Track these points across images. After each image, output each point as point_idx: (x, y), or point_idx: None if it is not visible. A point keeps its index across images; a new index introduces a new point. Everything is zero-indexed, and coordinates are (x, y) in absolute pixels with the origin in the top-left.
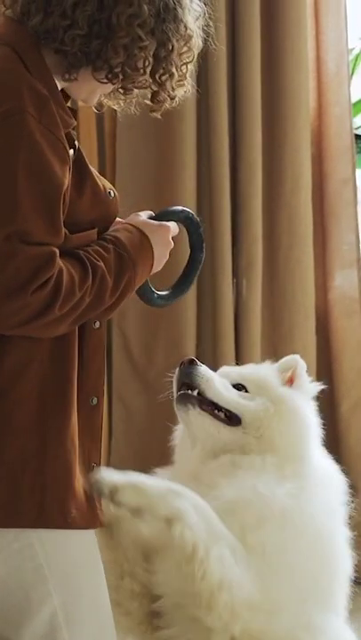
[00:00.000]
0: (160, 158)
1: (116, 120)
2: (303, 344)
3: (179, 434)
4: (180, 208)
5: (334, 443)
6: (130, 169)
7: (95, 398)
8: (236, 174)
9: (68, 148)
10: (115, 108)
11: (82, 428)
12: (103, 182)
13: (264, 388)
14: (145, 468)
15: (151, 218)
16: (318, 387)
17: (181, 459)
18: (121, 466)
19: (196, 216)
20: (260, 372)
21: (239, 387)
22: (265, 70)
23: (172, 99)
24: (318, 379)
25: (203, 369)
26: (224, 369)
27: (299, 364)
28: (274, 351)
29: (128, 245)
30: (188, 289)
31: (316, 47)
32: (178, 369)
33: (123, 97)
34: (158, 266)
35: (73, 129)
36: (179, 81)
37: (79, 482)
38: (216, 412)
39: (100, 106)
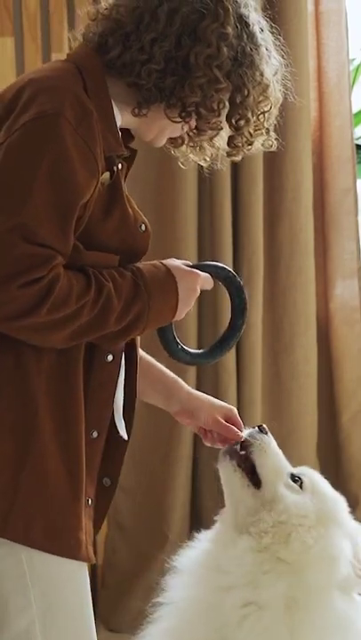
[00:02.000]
0: (160, 170)
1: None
2: (304, 353)
3: None
4: (220, 265)
5: (335, 452)
6: (130, 181)
7: (95, 432)
8: (237, 184)
9: (100, 163)
10: (201, 163)
11: None
12: (136, 214)
13: (323, 503)
14: (146, 477)
15: (188, 266)
16: None
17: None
18: (122, 475)
19: (237, 277)
20: (341, 505)
21: (296, 478)
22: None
23: (250, 144)
24: (319, 388)
25: (267, 437)
26: (305, 468)
27: None
28: (275, 360)
29: (148, 278)
30: (222, 354)
31: (317, 57)
32: (249, 430)
33: (197, 139)
34: (183, 309)
35: (127, 162)
36: (256, 129)
37: (75, 512)
38: (250, 475)
39: (186, 161)
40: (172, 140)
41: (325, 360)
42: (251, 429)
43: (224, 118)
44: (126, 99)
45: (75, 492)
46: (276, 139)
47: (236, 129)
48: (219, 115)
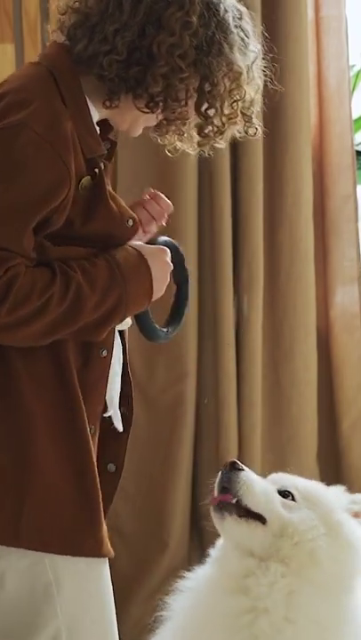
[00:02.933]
0: (161, 175)
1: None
2: (304, 360)
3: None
4: (164, 238)
5: (335, 459)
6: (131, 188)
7: (93, 427)
8: (237, 191)
9: (72, 169)
10: (189, 151)
11: None
12: (122, 210)
13: (318, 506)
14: (146, 483)
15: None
16: None
17: (222, 567)
18: (122, 481)
19: (180, 247)
20: (321, 489)
21: (286, 493)
22: (265, 86)
23: (222, 133)
24: (319, 395)
25: (244, 474)
26: (277, 475)
27: None
28: (275, 367)
29: (122, 263)
30: (182, 323)
31: (317, 63)
32: (220, 473)
33: (171, 128)
34: (159, 289)
35: (106, 158)
36: (230, 118)
37: (90, 510)
38: (251, 519)
39: (174, 150)
40: (156, 129)
41: (325, 367)
42: (225, 470)
43: (192, 107)
44: (98, 92)
45: (86, 491)
46: (260, 126)
47: (205, 118)
48: (185, 104)
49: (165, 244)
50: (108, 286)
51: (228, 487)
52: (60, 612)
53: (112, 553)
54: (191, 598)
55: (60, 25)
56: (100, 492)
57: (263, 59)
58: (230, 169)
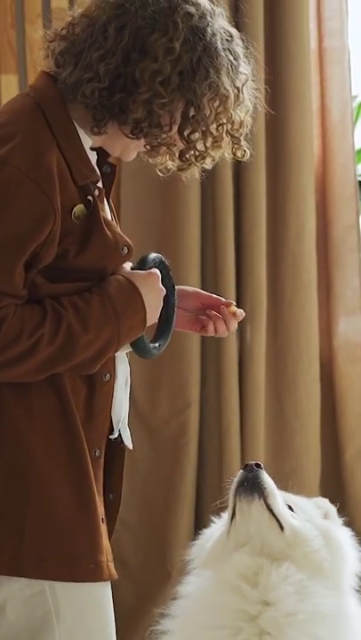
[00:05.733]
0: (164, 205)
1: (120, 167)
2: (307, 390)
3: (213, 534)
4: (153, 254)
5: (338, 490)
6: (134, 216)
7: (98, 450)
8: (240, 220)
9: (54, 202)
10: (181, 173)
11: None
12: (118, 237)
13: (310, 516)
14: (148, 513)
15: (132, 268)
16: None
17: (229, 566)
18: (125, 511)
19: (165, 259)
20: (302, 500)
21: (288, 507)
22: (269, 117)
23: (203, 158)
24: (322, 425)
25: (267, 476)
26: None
27: (330, 506)
28: (278, 397)
29: (115, 297)
30: (171, 334)
31: (320, 95)
32: (242, 470)
33: (154, 154)
34: (153, 316)
35: (108, 181)
36: (214, 141)
37: (90, 535)
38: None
39: (166, 170)
40: (146, 152)
41: (328, 397)
42: (251, 468)
43: (175, 133)
44: (87, 119)
45: (86, 516)
46: (249, 148)
47: (188, 142)
48: (170, 129)
49: (154, 260)
50: (101, 324)
51: (253, 484)
52: (59, 639)
53: (115, 576)
54: (195, 600)
55: (48, 52)
56: (99, 516)
57: (255, 80)
58: (233, 198)
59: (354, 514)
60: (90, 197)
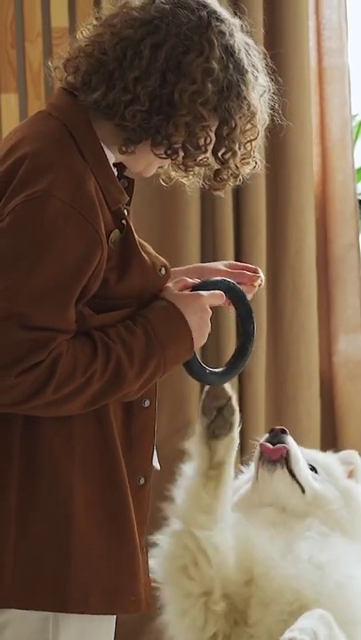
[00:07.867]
0: (164, 220)
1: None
2: (307, 408)
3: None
4: (220, 278)
5: None
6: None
7: (142, 478)
8: (240, 238)
9: (102, 231)
10: (184, 181)
11: None
12: (154, 259)
13: (333, 476)
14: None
15: (193, 289)
16: None
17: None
18: None
19: (238, 285)
20: (328, 459)
21: (311, 467)
22: (269, 135)
23: (236, 177)
24: (322, 443)
25: (292, 440)
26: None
27: (358, 460)
28: (278, 415)
29: (159, 327)
30: (244, 364)
31: (320, 113)
32: (268, 434)
33: (188, 174)
34: (200, 337)
35: (127, 204)
36: (243, 159)
37: (132, 569)
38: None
39: (168, 179)
40: (179, 172)
41: (328, 415)
42: (276, 432)
43: (210, 153)
44: (114, 138)
45: (127, 551)
46: (261, 160)
47: (222, 162)
48: (206, 151)
49: (215, 283)
50: (146, 356)
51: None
52: None
53: (152, 606)
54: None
55: (73, 69)
56: (137, 547)
57: (270, 91)
58: (233, 217)
59: None
60: (124, 221)
